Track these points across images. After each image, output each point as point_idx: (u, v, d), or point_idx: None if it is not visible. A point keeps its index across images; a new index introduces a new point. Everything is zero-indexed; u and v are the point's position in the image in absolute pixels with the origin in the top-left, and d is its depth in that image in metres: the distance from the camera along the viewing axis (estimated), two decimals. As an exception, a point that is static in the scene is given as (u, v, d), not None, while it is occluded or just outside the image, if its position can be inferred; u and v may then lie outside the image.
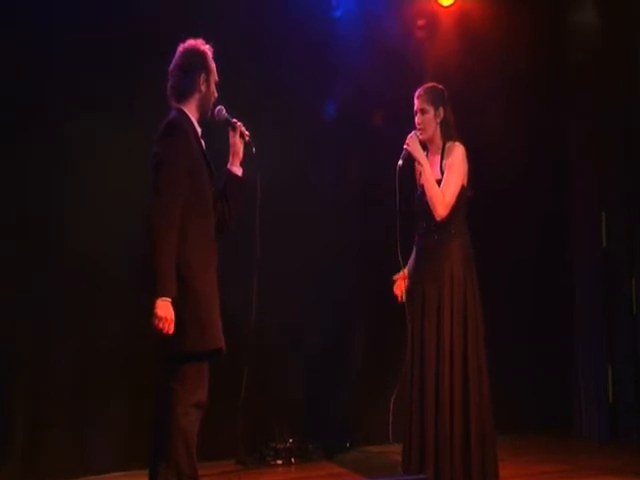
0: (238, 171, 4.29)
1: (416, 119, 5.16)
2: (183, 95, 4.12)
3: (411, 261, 5.25)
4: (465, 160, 5.10)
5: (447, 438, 4.89)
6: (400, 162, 5.04)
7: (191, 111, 4.12)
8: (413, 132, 5.12)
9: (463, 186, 5.08)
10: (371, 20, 6.80)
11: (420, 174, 5.17)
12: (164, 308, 3.83)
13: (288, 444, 6.39)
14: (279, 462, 6.31)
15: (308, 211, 6.56)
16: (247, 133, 4.26)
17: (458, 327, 4.98)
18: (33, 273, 5.69)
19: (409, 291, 5.16)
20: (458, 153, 5.08)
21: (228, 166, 4.29)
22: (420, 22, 7.09)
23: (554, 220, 7.33)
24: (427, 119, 5.13)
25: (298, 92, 6.46)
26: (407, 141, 5.09)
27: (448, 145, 5.12)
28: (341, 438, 6.74)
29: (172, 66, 4.16)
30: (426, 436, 4.93)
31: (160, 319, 3.81)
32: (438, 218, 5.02)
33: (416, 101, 5.17)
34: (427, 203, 5.07)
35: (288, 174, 6.36)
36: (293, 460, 6.35)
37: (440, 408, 4.91)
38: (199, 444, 4.07)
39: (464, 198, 5.10)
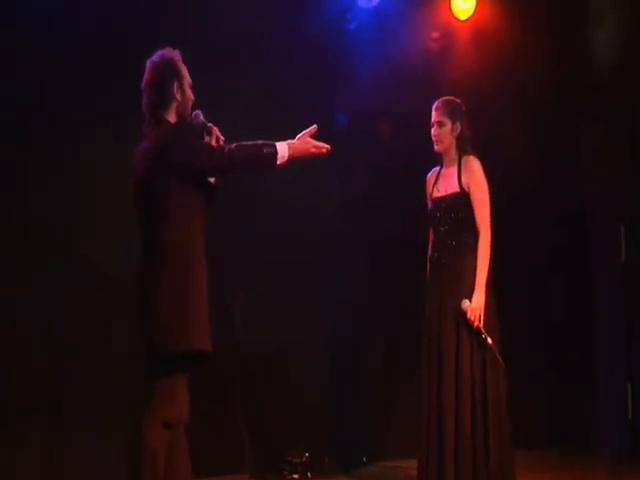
0: None
1: (432, 131, 5.12)
2: (162, 107, 4.11)
3: (428, 276, 5.15)
4: (484, 174, 5.06)
5: (469, 455, 4.79)
6: (490, 340, 4.81)
7: (172, 119, 4.13)
8: (464, 304, 4.87)
9: None
10: (388, 34, 6.78)
11: (437, 189, 5.13)
12: None
13: (304, 458, 6.37)
14: (295, 476, 6.30)
15: (309, 211, 6.55)
16: (222, 138, 4.25)
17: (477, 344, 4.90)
18: (33, 273, 5.69)
19: (425, 305, 5.08)
20: (478, 170, 5.04)
21: None
22: (436, 35, 7.08)
23: (570, 226, 7.28)
24: (444, 132, 5.10)
25: (298, 93, 6.44)
26: (469, 317, 4.85)
27: (464, 159, 5.08)
28: (357, 452, 6.72)
29: (143, 83, 4.15)
30: (445, 452, 4.83)
31: None
32: (489, 240, 4.95)
33: (434, 113, 5.13)
34: (440, 216, 5.05)
35: (288, 175, 6.33)
36: (309, 474, 6.33)
37: (460, 426, 4.82)
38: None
39: None
